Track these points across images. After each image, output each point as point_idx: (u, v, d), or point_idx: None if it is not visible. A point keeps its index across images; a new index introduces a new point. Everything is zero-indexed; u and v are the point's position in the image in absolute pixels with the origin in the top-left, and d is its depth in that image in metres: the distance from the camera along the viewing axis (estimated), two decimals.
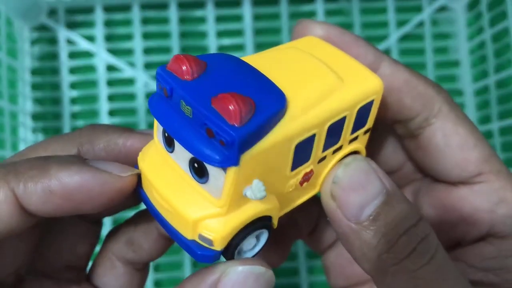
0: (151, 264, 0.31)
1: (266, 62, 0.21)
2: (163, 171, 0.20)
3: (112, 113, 0.46)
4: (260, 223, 0.20)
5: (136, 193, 0.21)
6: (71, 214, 0.20)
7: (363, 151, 0.23)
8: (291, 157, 0.20)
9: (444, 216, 0.25)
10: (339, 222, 0.20)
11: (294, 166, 0.20)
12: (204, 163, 0.18)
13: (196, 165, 0.19)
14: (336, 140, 0.21)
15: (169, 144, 0.20)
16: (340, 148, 0.22)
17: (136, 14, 0.46)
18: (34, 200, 0.18)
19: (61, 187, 0.18)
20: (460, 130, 0.24)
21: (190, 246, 0.19)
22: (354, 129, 0.22)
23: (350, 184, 0.20)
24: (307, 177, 0.21)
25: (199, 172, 0.19)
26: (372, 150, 0.22)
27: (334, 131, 0.21)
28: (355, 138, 0.22)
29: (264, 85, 0.19)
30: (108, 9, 0.47)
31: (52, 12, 0.46)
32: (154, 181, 0.20)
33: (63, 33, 0.46)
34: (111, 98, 0.46)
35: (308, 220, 0.29)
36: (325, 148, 0.21)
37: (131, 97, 0.46)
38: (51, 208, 0.19)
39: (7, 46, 0.43)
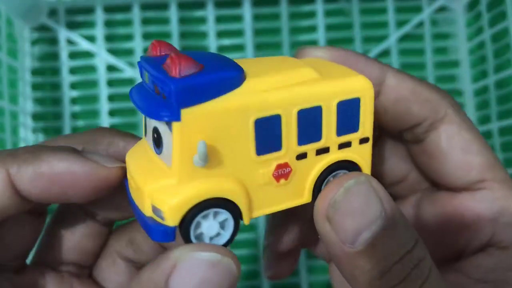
0: None
1: (250, 61, 0.21)
2: (139, 156, 0.21)
3: (112, 113, 0.46)
4: (217, 203, 0.19)
5: (123, 185, 0.22)
6: (60, 201, 0.21)
7: (363, 164, 0.22)
8: (252, 135, 0.19)
9: (447, 224, 0.25)
10: (332, 244, 0.19)
11: (260, 150, 0.19)
12: (159, 130, 0.19)
13: (155, 135, 0.19)
14: (315, 135, 0.20)
15: (145, 131, 0.21)
16: (326, 150, 0.21)
17: (136, 14, 0.46)
18: (25, 180, 0.20)
19: (50, 170, 0.20)
20: (464, 134, 0.24)
21: (147, 222, 0.19)
22: (341, 130, 0.21)
23: (349, 210, 0.19)
24: (283, 172, 0.20)
25: (157, 142, 0.19)
26: (377, 160, 0.21)
27: (309, 122, 0.20)
28: (348, 145, 0.21)
29: (223, 60, 0.19)
30: (108, 9, 0.47)
31: (53, 12, 0.46)
32: (129, 166, 0.20)
33: (63, 33, 0.46)
34: (111, 98, 0.46)
35: (313, 230, 0.29)
36: (302, 141, 0.20)
37: None
38: (40, 190, 0.20)
39: (7, 46, 0.43)
